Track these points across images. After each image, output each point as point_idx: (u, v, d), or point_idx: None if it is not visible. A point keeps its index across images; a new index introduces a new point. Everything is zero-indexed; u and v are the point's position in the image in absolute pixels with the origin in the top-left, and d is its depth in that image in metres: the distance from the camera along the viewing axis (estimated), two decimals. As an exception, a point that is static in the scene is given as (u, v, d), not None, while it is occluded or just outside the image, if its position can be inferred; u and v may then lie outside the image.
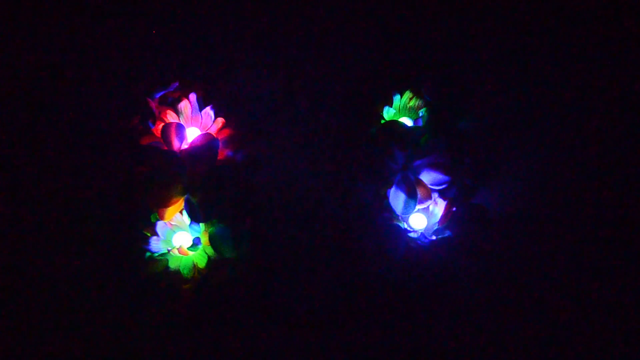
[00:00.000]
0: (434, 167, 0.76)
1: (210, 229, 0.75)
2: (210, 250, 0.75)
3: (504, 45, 0.95)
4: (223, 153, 0.83)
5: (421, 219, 0.80)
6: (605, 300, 0.82)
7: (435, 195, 0.78)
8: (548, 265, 0.84)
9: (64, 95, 0.94)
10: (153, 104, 0.82)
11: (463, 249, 0.76)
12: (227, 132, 0.84)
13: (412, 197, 0.75)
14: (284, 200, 0.86)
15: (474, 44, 0.95)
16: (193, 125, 0.83)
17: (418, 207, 0.77)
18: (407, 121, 0.85)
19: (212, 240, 0.74)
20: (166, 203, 0.74)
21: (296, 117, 0.93)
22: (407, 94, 0.85)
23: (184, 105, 0.82)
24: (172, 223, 0.78)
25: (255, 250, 0.78)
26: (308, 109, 0.94)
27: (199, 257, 0.76)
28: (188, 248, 0.74)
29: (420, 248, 0.76)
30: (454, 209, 0.77)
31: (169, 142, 0.78)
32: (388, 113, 0.83)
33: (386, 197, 0.77)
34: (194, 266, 0.75)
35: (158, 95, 0.83)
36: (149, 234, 0.76)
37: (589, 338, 0.80)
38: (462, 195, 0.77)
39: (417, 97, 0.85)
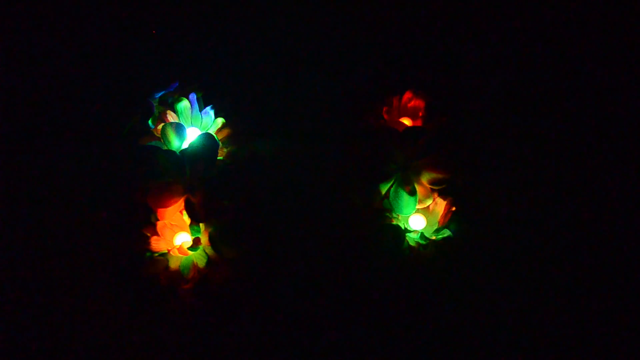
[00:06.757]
0: (433, 166, 0.76)
1: (211, 228, 0.75)
2: (210, 250, 0.75)
3: (503, 45, 0.95)
4: (223, 153, 0.83)
5: (421, 219, 0.80)
6: (604, 300, 0.82)
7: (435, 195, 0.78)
8: (547, 265, 0.84)
9: (64, 95, 0.95)
10: (153, 104, 0.82)
11: (463, 249, 0.77)
12: (227, 132, 0.84)
13: (413, 195, 0.76)
14: (284, 200, 0.86)
15: (474, 44, 0.96)
16: (193, 125, 0.84)
17: (418, 206, 0.77)
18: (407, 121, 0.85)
19: (212, 240, 0.74)
20: (166, 203, 0.74)
21: (296, 117, 0.93)
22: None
23: (184, 105, 0.82)
24: (172, 223, 0.78)
25: (256, 250, 0.78)
26: (308, 109, 0.94)
27: (199, 257, 0.76)
28: (188, 248, 0.74)
29: (420, 248, 0.76)
30: (454, 208, 0.77)
31: (168, 142, 0.78)
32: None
33: (386, 196, 0.77)
34: (194, 266, 0.75)
35: (158, 96, 0.83)
36: (149, 234, 0.76)
37: (588, 338, 0.80)
38: (461, 195, 0.77)
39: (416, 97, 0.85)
